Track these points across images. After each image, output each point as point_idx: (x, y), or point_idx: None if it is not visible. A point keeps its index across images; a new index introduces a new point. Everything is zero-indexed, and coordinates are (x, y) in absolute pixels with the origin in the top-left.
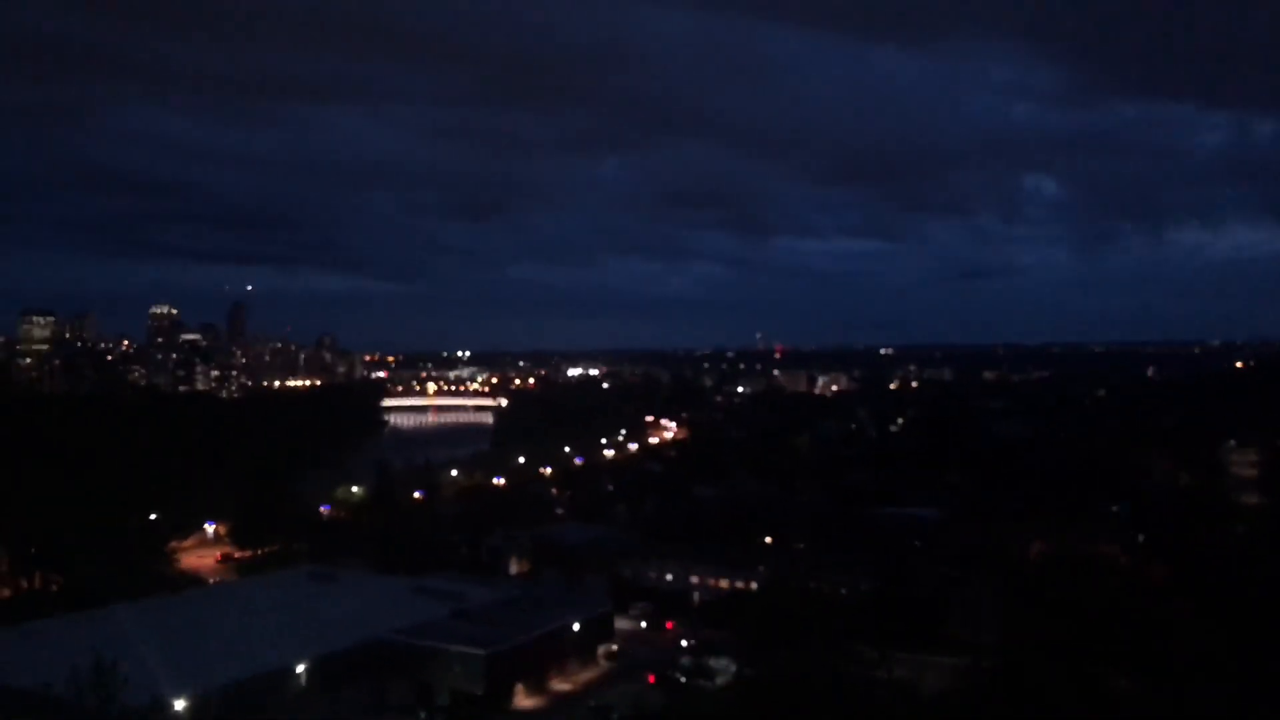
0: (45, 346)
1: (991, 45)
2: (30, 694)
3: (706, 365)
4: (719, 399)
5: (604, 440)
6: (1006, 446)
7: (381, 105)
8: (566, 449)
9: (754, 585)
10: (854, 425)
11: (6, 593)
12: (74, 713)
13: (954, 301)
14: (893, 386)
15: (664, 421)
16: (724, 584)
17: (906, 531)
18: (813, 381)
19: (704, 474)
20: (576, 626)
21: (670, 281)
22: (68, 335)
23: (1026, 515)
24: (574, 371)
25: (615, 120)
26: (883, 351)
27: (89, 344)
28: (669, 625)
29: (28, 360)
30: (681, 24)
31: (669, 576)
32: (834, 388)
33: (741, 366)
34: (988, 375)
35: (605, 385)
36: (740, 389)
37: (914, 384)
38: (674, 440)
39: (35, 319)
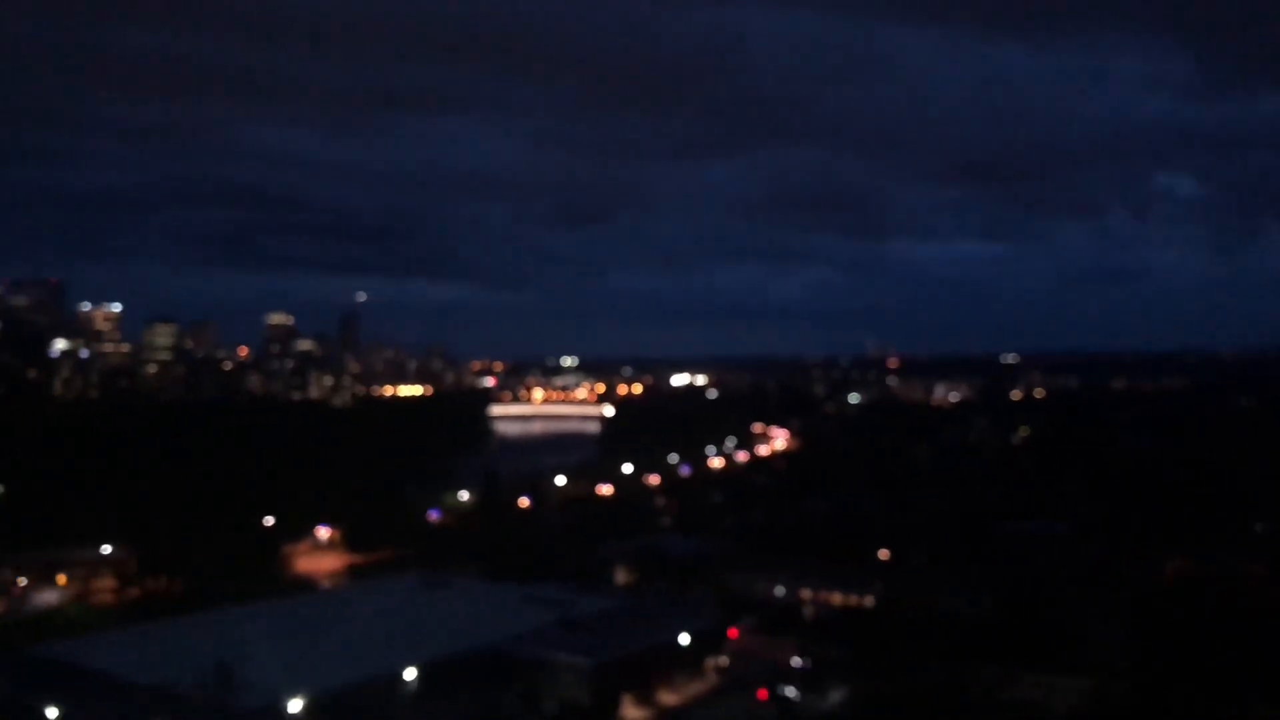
0: (168, 354)
1: (1122, 37)
2: (157, 691)
3: (817, 373)
4: (830, 408)
5: (711, 450)
6: (1138, 459)
7: (492, 115)
8: (673, 458)
9: (868, 601)
10: (973, 436)
11: (134, 593)
12: (198, 711)
13: (1081, 306)
14: (1015, 396)
15: (773, 431)
16: (837, 599)
17: (1031, 547)
18: (929, 390)
19: (815, 485)
20: (684, 639)
21: (779, 287)
22: (189, 344)
23: (1160, 532)
24: (680, 379)
25: (724, 124)
26: (1004, 359)
27: (209, 352)
28: (779, 640)
29: (152, 368)
30: (792, 24)
31: (779, 590)
32: (952, 397)
33: (854, 374)
34: (1117, 384)
35: (712, 393)
36: (853, 398)
37: (1037, 393)
38: (783, 450)
39: (159, 328)
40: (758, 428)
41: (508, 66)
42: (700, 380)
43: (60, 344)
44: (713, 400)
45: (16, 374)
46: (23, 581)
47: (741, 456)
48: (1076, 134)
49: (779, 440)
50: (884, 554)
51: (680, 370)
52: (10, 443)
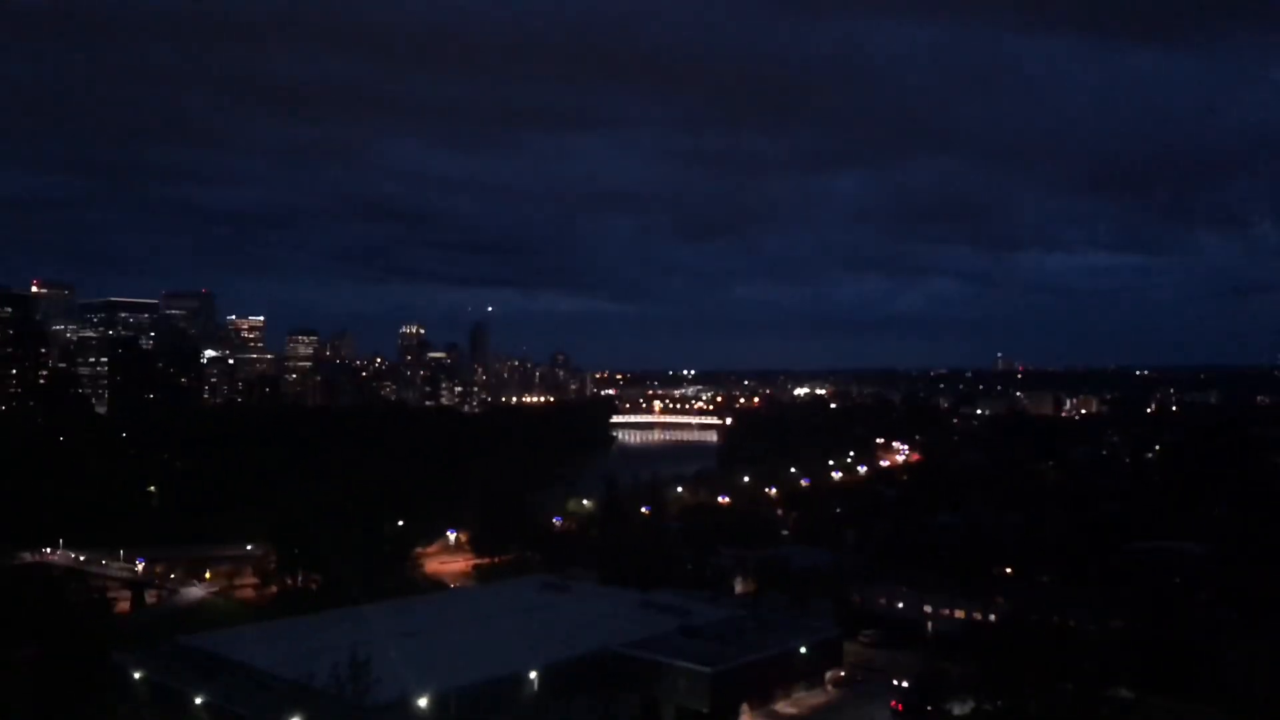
0: (308, 363)
1: (1270, 40)
2: (295, 684)
3: (942, 386)
4: (955, 421)
5: (832, 461)
6: None
7: (618, 131)
8: (793, 469)
9: (993, 617)
10: (1105, 451)
11: (274, 589)
12: (332, 704)
13: (1222, 319)
14: (1150, 410)
15: (895, 444)
16: (960, 614)
17: (1166, 567)
18: (1059, 404)
19: (938, 499)
20: (803, 649)
21: (904, 299)
22: (328, 353)
23: None
24: (801, 391)
25: (850, 137)
26: (1139, 373)
27: (346, 361)
28: (900, 654)
29: (293, 376)
30: (921, 36)
31: (900, 604)
32: (1083, 411)
33: (980, 387)
34: (1262, 399)
35: (833, 405)
36: (979, 411)
37: (1174, 408)
38: (906, 463)
39: (300, 338)
40: (880, 440)
41: (634, 83)
42: (821, 392)
43: (209, 352)
44: (834, 412)
45: (170, 380)
46: (173, 577)
47: (863, 469)
48: (1221, 141)
49: (901, 453)
50: (1009, 570)
51: (801, 382)
52: (163, 446)
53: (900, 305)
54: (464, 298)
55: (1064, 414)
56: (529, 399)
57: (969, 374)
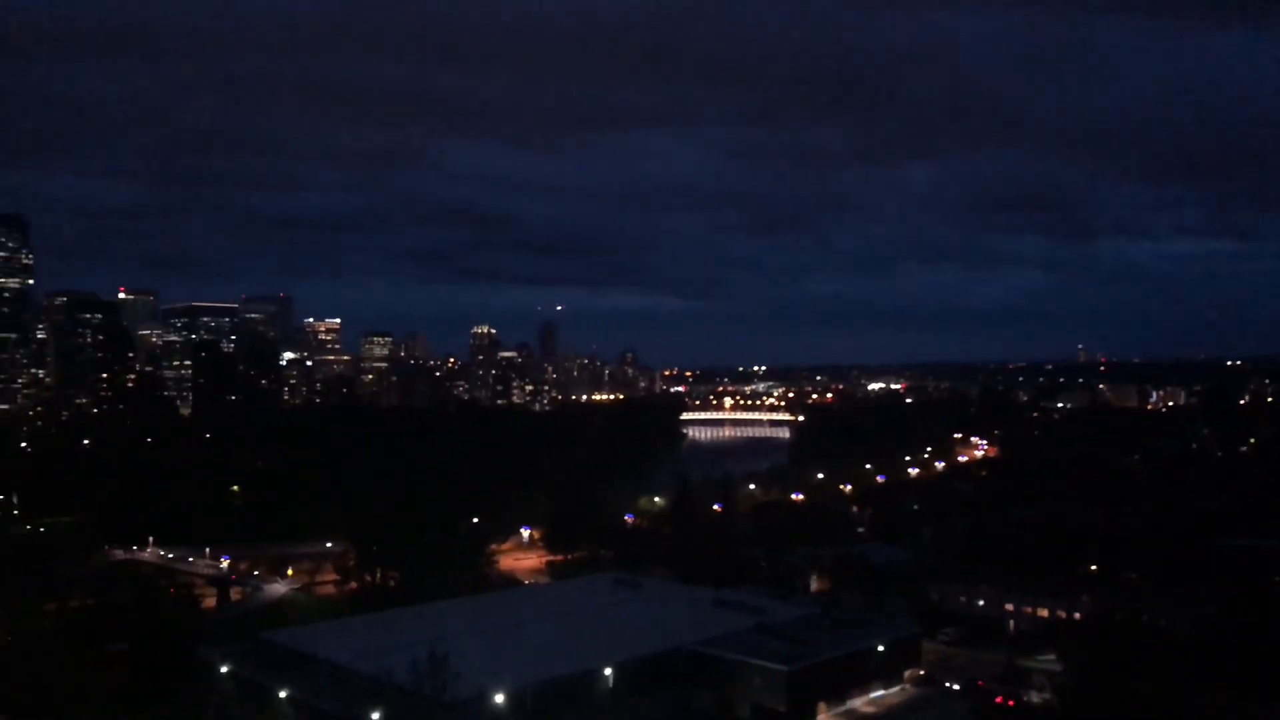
0: (383, 364)
1: None
2: (375, 679)
3: (1021, 379)
4: (1035, 415)
5: (907, 457)
6: None
7: (686, 128)
8: (867, 466)
9: (1078, 615)
10: (1194, 445)
11: (353, 585)
12: (412, 699)
13: None
14: (1243, 402)
15: (973, 439)
16: (1043, 612)
17: (1263, 565)
18: (1145, 396)
19: (1018, 495)
20: (881, 648)
21: (980, 291)
22: (402, 354)
23: None
24: (874, 386)
25: (923, 126)
26: (1230, 363)
27: (420, 361)
28: (981, 652)
29: (369, 376)
30: (995, 22)
31: (980, 601)
32: (1170, 404)
33: (1061, 380)
34: None
35: (908, 400)
36: (1059, 404)
37: (1270, 399)
38: (984, 459)
39: (375, 339)
40: (957, 435)
41: (702, 79)
42: (896, 387)
43: (288, 354)
44: (909, 407)
45: (251, 382)
46: (256, 573)
47: (940, 465)
48: None
49: (979, 448)
50: (1094, 567)
51: (875, 377)
52: (244, 446)
53: (976, 297)
54: (533, 297)
55: (1150, 407)
56: (598, 397)
57: (1049, 367)
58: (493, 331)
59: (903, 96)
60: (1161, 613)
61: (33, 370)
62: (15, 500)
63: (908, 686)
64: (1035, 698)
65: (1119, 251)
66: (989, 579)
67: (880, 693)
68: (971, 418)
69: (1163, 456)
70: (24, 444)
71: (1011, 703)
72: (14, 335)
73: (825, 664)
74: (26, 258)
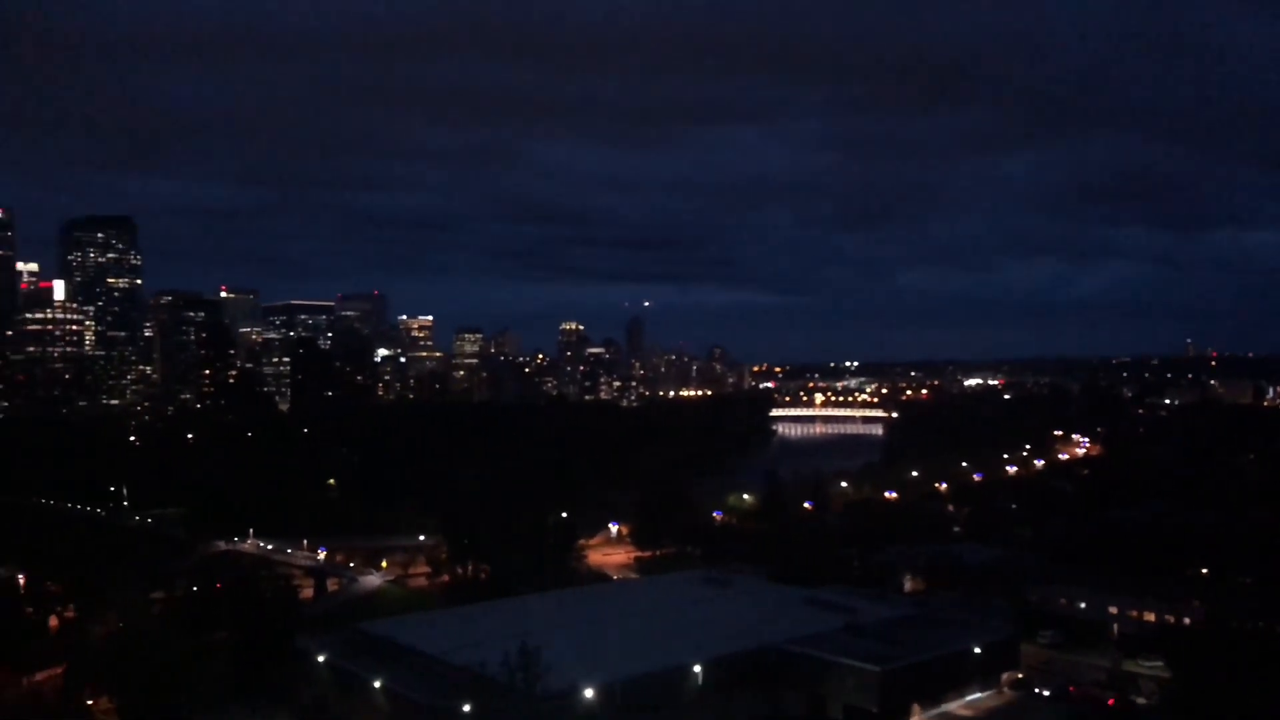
0: (474, 360)
1: None
2: (467, 671)
3: (1125, 374)
4: (1140, 411)
5: (1005, 455)
6: None
7: (776, 121)
8: (963, 463)
9: (1187, 620)
10: None
11: (445, 578)
12: (503, 691)
13: None
14: None
15: (1074, 436)
16: (1149, 616)
17: None
18: (1260, 393)
19: (1122, 494)
20: (977, 650)
21: (1082, 283)
22: (492, 350)
23: None
24: (971, 381)
25: (1021, 114)
26: None
27: (509, 358)
28: (1082, 656)
29: (460, 373)
30: (1092, 4)
31: (1081, 604)
32: None
33: (1168, 375)
34: None
35: (1006, 396)
36: (1166, 400)
37: None
38: (1086, 457)
39: (466, 336)
40: (1057, 432)
41: (791, 71)
42: (993, 382)
43: (382, 351)
44: (1007, 403)
45: (347, 378)
46: (352, 565)
47: (1039, 463)
48: None
49: (1081, 446)
50: (1204, 570)
51: (971, 372)
52: (340, 441)
53: (1076, 290)
54: (621, 293)
55: (1265, 403)
56: (686, 393)
57: (1155, 361)
58: (581, 328)
59: (1000, 85)
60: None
61: (140, 367)
62: (125, 492)
63: (1005, 690)
64: (1142, 703)
65: (1231, 240)
66: (1090, 581)
67: (976, 696)
68: (1072, 414)
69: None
70: (132, 438)
71: (1119, 705)
72: (123, 333)
73: (919, 665)
74: (135, 258)
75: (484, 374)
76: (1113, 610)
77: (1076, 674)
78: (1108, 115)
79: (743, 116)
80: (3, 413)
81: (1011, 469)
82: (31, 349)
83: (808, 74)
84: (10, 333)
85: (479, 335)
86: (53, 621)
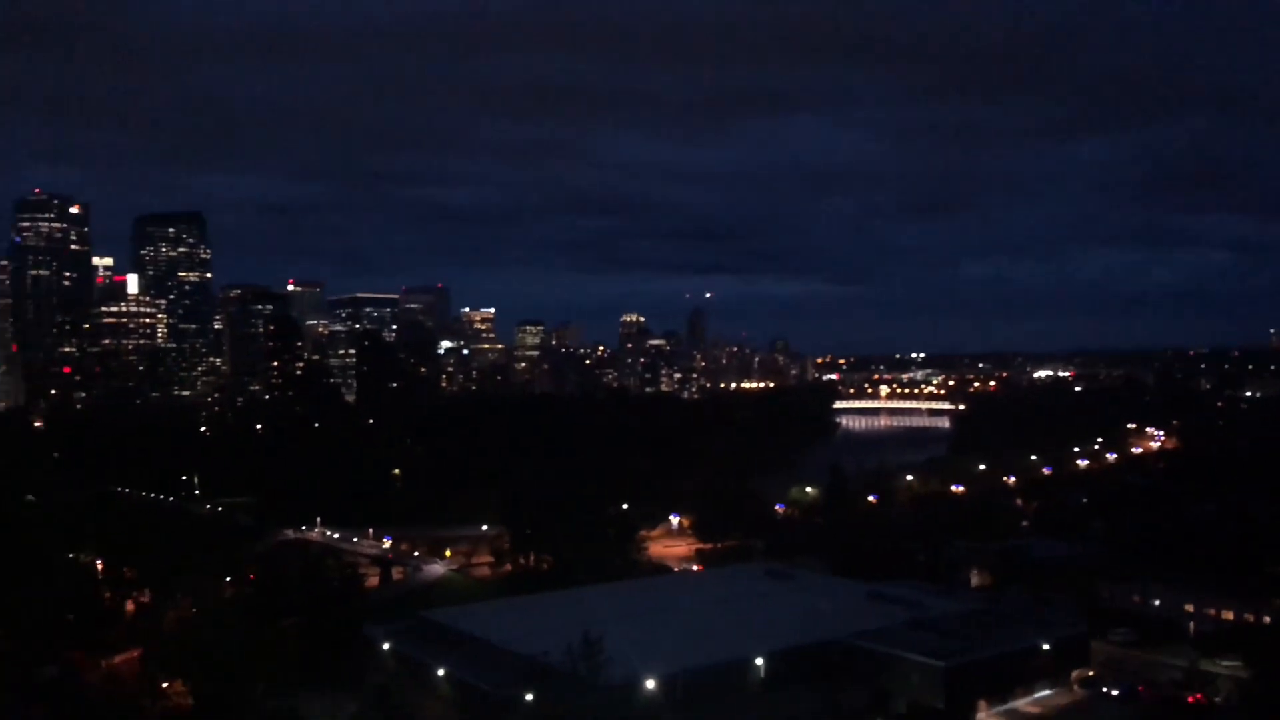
0: (535, 352)
1: None
2: (530, 660)
3: (1203, 366)
4: (1219, 404)
5: (1076, 449)
6: None
7: (839, 110)
8: (1032, 457)
9: (1267, 619)
10: None
11: (507, 568)
12: (565, 681)
13: None
14: None
15: (1149, 429)
16: (1227, 614)
17: None
18: None
19: (1199, 489)
20: (1046, 646)
21: (1157, 272)
22: (554, 342)
23: None
24: (1041, 373)
25: (1094, 100)
26: None
27: (571, 350)
28: (1156, 654)
29: (522, 364)
30: None
31: (1155, 601)
32: None
33: (1250, 367)
34: None
35: (1077, 388)
36: (1248, 393)
37: None
38: (1161, 450)
39: (528, 328)
40: (1130, 425)
41: (856, 59)
42: (1064, 374)
43: (445, 343)
44: (1078, 395)
45: (410, 370)
46: (416, 554)
47: (1111, 456)
48: None
49: (1155, 440)
50: None
51: (1041, 364)
52: (404, 431)
53: (1151, 279)
54: (682, 285)
55: None
56: (748, 385)
57: (1235, 353)
58: (642, 320)
59: (1072, 69)
60: None
61: (211, 359)
62: (196, 481)
63: (1075, 688)
64: (1219, 702)
65: None
66: (1165, 578)
67: (1045, 693)
68: (1147, 407)
69: None
70: (203, 429)
71: (1201, 703)
72: (194, 326)
73: (985, 661)
74: (205, 253)
75: (545, 366)
76: (1189, 608)
77: (1151, 673)
78: (1185, 98)
79: (806, 105)
80: (80, 404)
81: (1082, 463)
82: (107, 341)
83: (872, 61)
84: (87, 326)
85: (540, 327)
86: (129, 606)
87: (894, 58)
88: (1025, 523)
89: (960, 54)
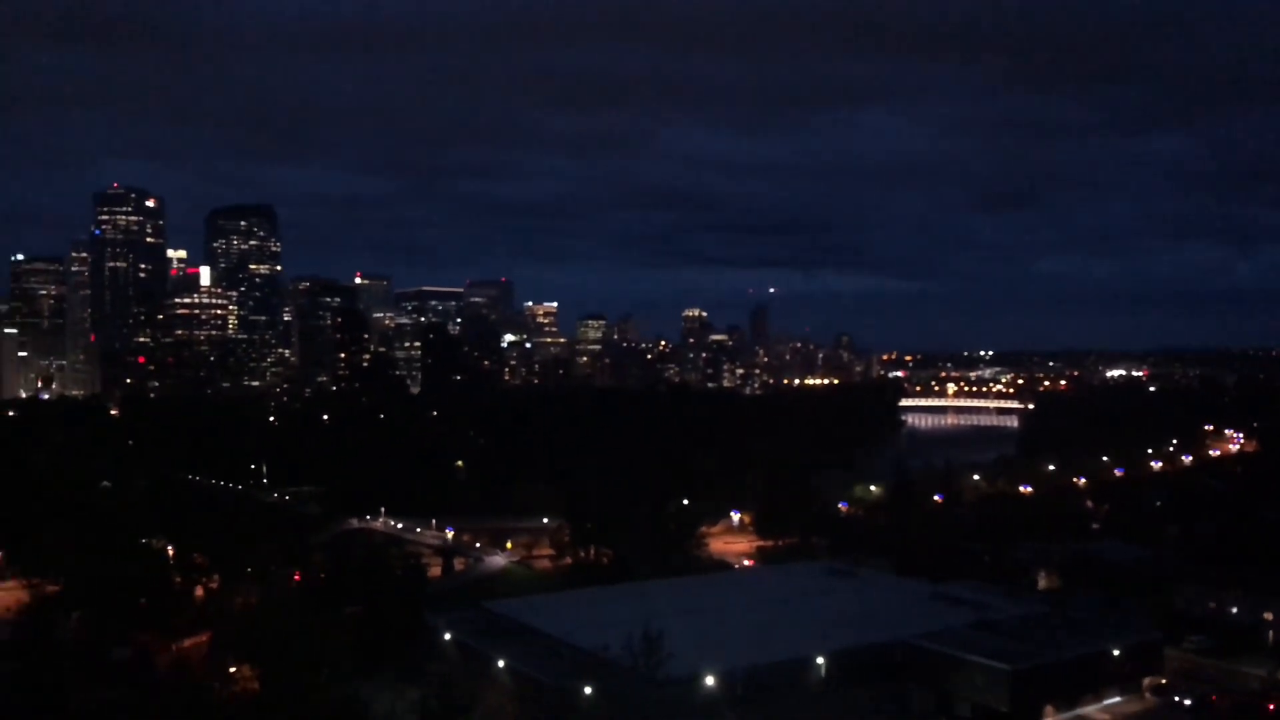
0: (597, 347)
1: None
2: (590, 653)
3: None
4: None
5: (1150, 450)
6: None
7: (907, 103)
8: (1104, 458)
9: None
10: None
11: (567, 561)
12: (625, 675)
13: None
14: None
15: (1227, 431)
16: None
17: None
18: None
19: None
20: (1116, 652)
21: (1239, 269)
22: (615, 336)
23: None
24: (1114, 373)
25: (1173, 91)
26: None
27: (632, 344)
28: (1234, 663)
29: (584, 359)
30: None
31: (1234, 608)
32: None
33: None
34: None
35: (1151, 388)
36: None
37: None
38: (1240, 453)
39: (589, 323)
40: (1207, 426)
41: (925, 51)
42: (1138, 373)
43: (508, 337)
44: (1152, 395)
45: (474, 363)
46: (478, 545)
47: (1187, 459)
48: None
49: (1234, 441)
50: None
51: (1114, 363)
52: (468, 423)
53: (1233, 276)
54: (746, 280)
55: None
56: (811, 381)
57: None
58: (704, 315)
59: (1151, 61)
60: None
61: (280, 350)
62: (264, 470)
63: (1147, 695)
64: None
65: None
66: (1245, 583)
67: (1114, 700)
68: (1225, 408)
69: None
70: (271, 418)
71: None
72: (264, 317)
73: (1052, 665)
74: (275, 246)
75: (606, 360)
76: (1268, 616)
77: (1227, 682)
78: (1269, 91)
79: (875, 98)
80: (153, 392)
81: (1156, 465)
82: (180, 332)
83: (943, 53)
84: (161, 316)
85: (602, 321)
86: (198, 591)
87: (964, 50)
88: (1095, 525)
89: (1031, 46)
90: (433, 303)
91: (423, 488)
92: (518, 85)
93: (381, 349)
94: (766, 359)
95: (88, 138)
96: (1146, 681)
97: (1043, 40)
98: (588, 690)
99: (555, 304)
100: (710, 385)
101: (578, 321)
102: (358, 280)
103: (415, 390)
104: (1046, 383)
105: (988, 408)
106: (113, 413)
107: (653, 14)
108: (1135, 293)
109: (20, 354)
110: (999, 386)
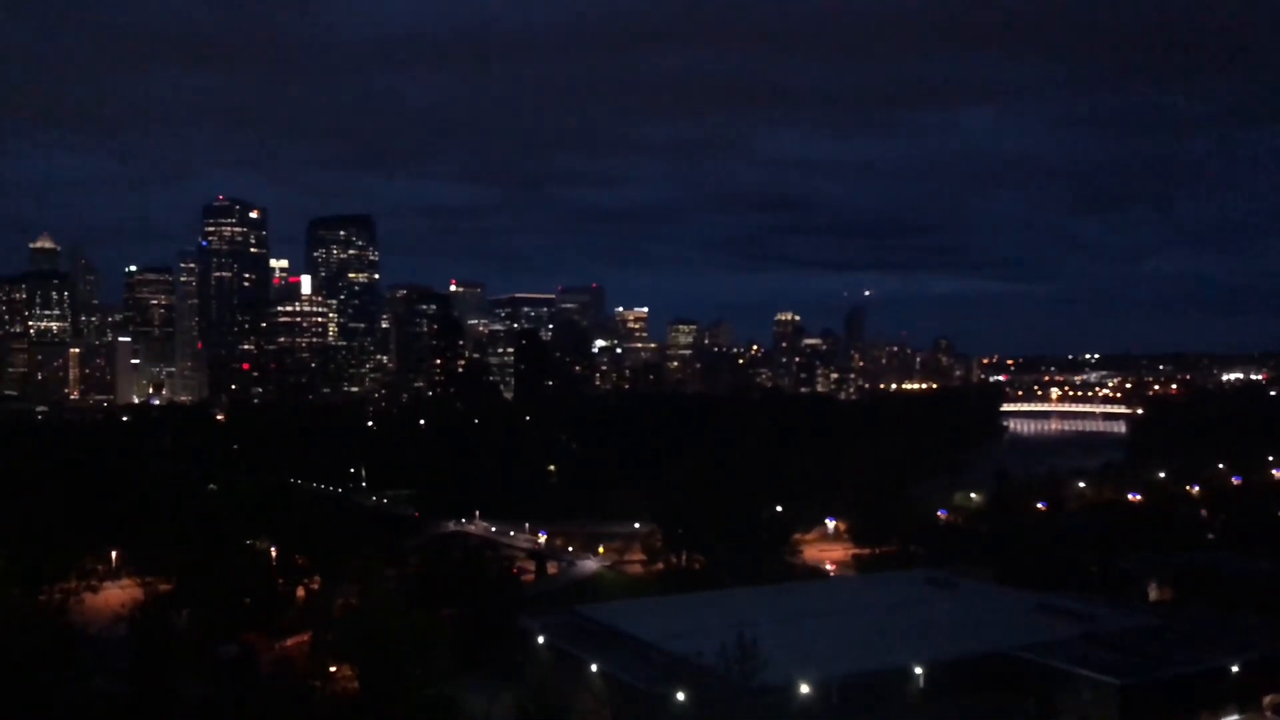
0: (688, 351)
1: None
2: (683, 660)
3: None
4: None
5: (1270, 457)
6: None
7: (1008, 101)
8: (1220, 465)
9: None
10: None
11: (659, 566)
12: (718, 682)
13: None
14: None
15: None
16: None
17: None
18: None
19: None
20: (1234, 668)
21: None
22: (706, 341)
23: None
24: (1229, 376)
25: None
26: None
27: (723, 349)
28: None
29: (674, 363)
30: None
31: None
32: None
33: None
34: None
35: (1272, 393)
36: None
37: None
38: None
39: (680, 327)
40: None
41: (1026, 48)
42: (1257, 377)
43: (599, 342)
44: (1273, 399)
45: (566, 368)
46: (571, 550)
47: None
48: None
49: None
50: None
51: (1230, 366)
52: (560, 429)
53: None
54: (840, 283)
55: None
56: (909, 386)
57: None
58: (797, 319)
59: (1257, 50)
60: None
61: (378, 356)
62: (362, 474)
63: (1268, 714)
64: None
65: None
66: None
67: (1233, 718)
68: None
69: None
70: (370, 423)
71: None
72: (362, 325)
73: (1166, 681)
74: (373, 254)
75: (698, 365)
76: None
77: None
78: None
79: (973, 97)
80: (257, 398)
81: (1277, 473)
82: (282, 339)
83: (1044, 49)
84: (264, 324)
85: (693, 326)
86: (300, 592)
87: (1064, 45)
88: (1210, 535)
89: (1134, 39)
90: (525, 309)
91: (516, 491)
92: (611, 92)
93: (476, 355)
94: (862, 363)
95: (195, 153)
96: (1268, 699)
97: (1152, 33)
98: (680, 696)
99: (645, 309)
100: (803, 390)
101: (668, 326)
102: (452, 288)
103: (508, 395)
104: (1156, 387)
105: (1094, 413)
106: (219, 418)
107: (746, 17)
108: (1252, 292)
109: (133, 361)
110: (1105, 391)
